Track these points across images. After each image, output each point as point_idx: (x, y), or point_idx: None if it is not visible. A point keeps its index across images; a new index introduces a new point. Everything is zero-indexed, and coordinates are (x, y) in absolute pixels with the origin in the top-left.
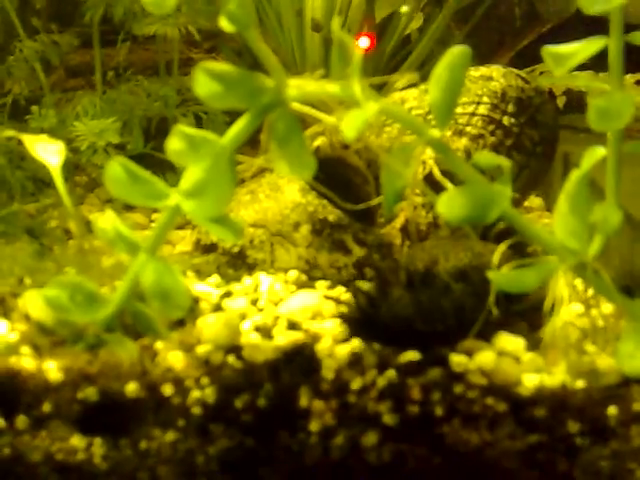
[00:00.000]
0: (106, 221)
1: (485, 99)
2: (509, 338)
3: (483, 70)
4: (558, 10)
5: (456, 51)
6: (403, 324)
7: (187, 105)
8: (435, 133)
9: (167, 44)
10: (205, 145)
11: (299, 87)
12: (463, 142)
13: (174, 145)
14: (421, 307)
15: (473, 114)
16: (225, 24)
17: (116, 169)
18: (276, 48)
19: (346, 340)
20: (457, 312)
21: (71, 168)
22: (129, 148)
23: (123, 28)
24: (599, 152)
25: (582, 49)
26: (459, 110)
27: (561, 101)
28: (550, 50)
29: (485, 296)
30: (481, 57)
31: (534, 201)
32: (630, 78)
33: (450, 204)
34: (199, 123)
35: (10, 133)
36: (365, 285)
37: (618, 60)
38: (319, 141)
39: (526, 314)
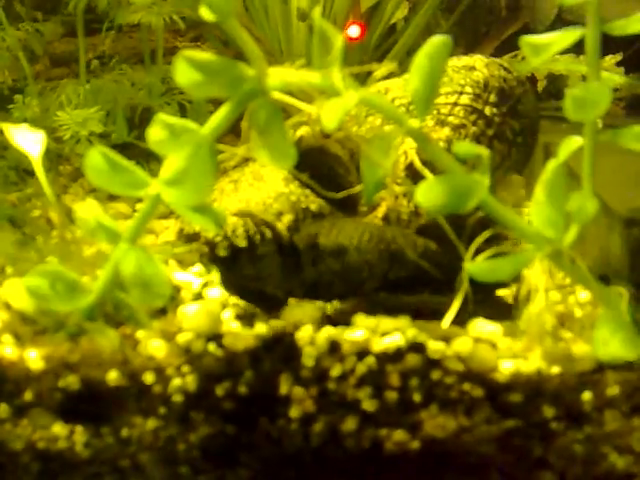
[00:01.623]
0: (87, 210)
1: (468, 89)
2: (485, 324)
3: (466, 60)
4: (543, 18)
5: (437, 40)
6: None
7: (171, 94)
8: (415, 123)
9: (152, 33)
10: (186, 134)
11: (280, 76)
12: (445, 132)
13: (155, 134)
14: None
15: (455, 104)
16: (205, 13)
17: (96, 158)
18: (262, 37)
19: None
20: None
21: (54, 158)
22: (113, 137)
23: (107, 17)
24: (576, 142)
25: (560, 39)
26: (441, 100)
27: (541, 85)
28: (528, 40)
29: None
30: (467, 46)
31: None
32: (610, 59)
33: (428, 193)
34: (183, 112)
35: None
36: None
37: (595, 50)
38: (302, 131)
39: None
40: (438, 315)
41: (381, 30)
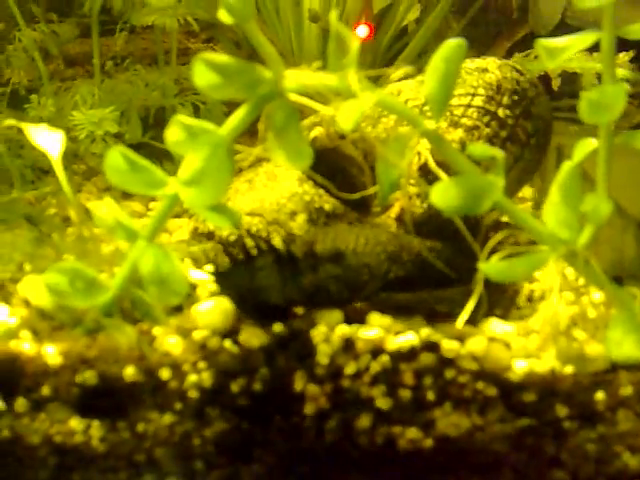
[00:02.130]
0: (105, 209)
1: (481, 91)
2: (499, 324)
3: (479, 62)
4: (546, 24)
5: (452, 43)
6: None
7: (185, 95)
8: (430, 124)
9: (165, 34)
10: (204, 135)
11: (296, 78)
12: (458, 133)
13: (173, 135)
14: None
15: (469, 106)
16: (224, 16)
17: (116, 157)
18: (274, 38)
19: None
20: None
21: (70, 157)
22: (127, 137)
23: (122, 18)
24: (590, 144)
25: (575, 42)
26: (455, 102)
27: (556, 83)
28: (543, 43)
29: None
30: (478, 48)
31: (526, 191)
32: (624, 56)
33: (444, 194)
34: (197, 113)
35: (11, 122)
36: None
37: (610, 54)
38: (316, 131)
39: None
40: (438, 312)
41: (393, 32)
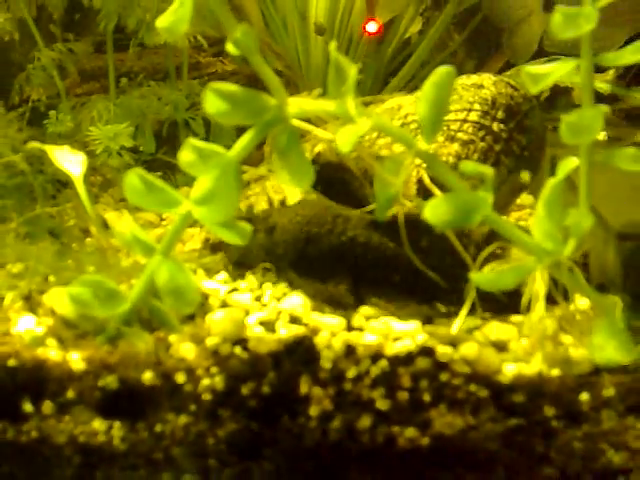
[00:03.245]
0: (124, 225)
1: (476, 106)
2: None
3: (475, 78)
4: (523, 54)
5: (442, 71)
6: None
7: (196, 109)
8: (423, 145)
9: (176, 49)
10: (214, 157)
11: (299, 105)
12: (454, 147)
13: (186, 157)
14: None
15: (465, 120)
16: (232, 49)
17: (134, 179)
18: (281, 52)
19: None
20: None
21: (87, 169)
22: (141, 150)
23: (135, 35)
24: (572, 162)
25: (556, 69)
26: (451, 117)
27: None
28: (528, 69)
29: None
30: (479, 59)
31: (525, 199)
32: (612, 72)
33: (436, 210)
34: (207, 126)
35: (35, 145)
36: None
37: (589, 80)
38: (319, 147)
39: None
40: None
41: (396, 44)
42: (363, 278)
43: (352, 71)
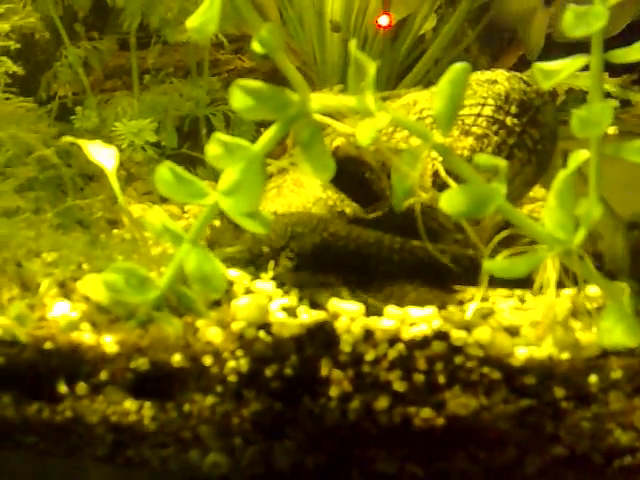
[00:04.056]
0: (154, 216)
1: (490, 101)
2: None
3: (488, 74)
4: (535, 47)
5: (458, 67)
6: None
7: (217, 104)
8: (439, 139)
9: (197, 47)
10: (240, 151)
11: (321, 100)
12: (469, 141)
13: (212, 150)
14: None
15: (479, 115)
16: (257, 47)
17: (164, 172)
18: (298, 49)
19: None
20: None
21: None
22: (163, 145)
23: (157, 34)
24: (583, 154)
25: (567, 66)
26: (466, 111)
27: (560, 99)
28: (539, 66)
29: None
30: (492, 55)
31: (539, 192)
32: (627, 77)
33: (451, 201)
34: (227, 121)
35: (68, 139)
36: None
37: (598, 75)
38: (338, 141)
39: None
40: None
41: (411, 40)
42: (348, 268)
43: (371, 68)
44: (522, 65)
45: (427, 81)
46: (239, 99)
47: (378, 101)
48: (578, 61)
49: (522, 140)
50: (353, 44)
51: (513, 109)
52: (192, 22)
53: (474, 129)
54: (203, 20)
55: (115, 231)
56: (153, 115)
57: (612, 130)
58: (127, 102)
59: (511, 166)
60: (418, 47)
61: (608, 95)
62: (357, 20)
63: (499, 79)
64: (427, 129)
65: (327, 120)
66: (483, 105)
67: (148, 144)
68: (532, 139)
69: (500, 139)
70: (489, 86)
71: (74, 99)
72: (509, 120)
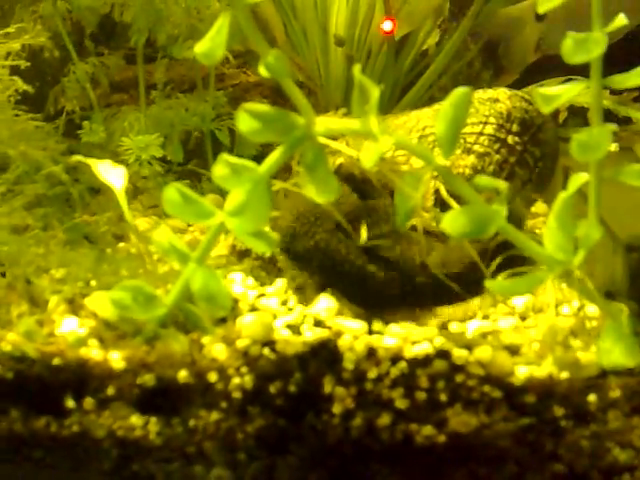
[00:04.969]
0: (161, 234)
1: (492, 119)
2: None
3: (490, 92)
4: (518, 62)
5: (459, 92)
6: None
7: (222, 119)
8: (441, 161)
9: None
10: (246, 172)
11: (325, 124)
12: (471, 159)
13: (219, 171)
14: None
15: (480, 133)
16: (264, 72)
17: (172, 193)
18: (302, 64)
19: None
20: None
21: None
22: (169, 159)
23: (164, 49)
24: (582, 177)
25: (567, 91)
26: (468, 129)
27: (562, 116)
28: (539, 91)
29: None
30: (495, 70)
31: (540, 207)
32: (627, 95)
33: (454, 222)
34: (232, 136)
35: (78, 158)
36: None
37: (598, 100)
38: (341, 159)
39: None
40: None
41: (414, 55)
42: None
43: (374, 92)
44: (525, 80)
45: (430, 94)
46: (246, 122)
47: (381, 124)
48: (577, 86)
49: (523, 158)
50: (357, 68)
51: (515, 127)
52: (201, 47)
53: (476, 147)
54: (211, 45)
55: (122, 244)
56: (159, 129)
57: (613, 147)
58: (134, 117)
59: (512, 184)
60: (421, 61)
61: (609, 112)
62: (361, 34)
63: (501, 98)
64: (429, 152)
65: (331, 143)
66: (485, 124)
67: (154, 159)
68: (533, 157)
69: (502, 157)
70: (491, 104)
71: (81, 114)
72: (510, 138)
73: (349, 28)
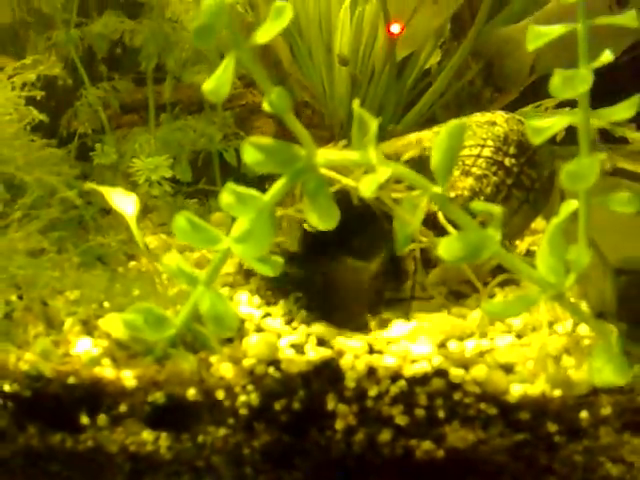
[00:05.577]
0: (170, 259)
1: (489, 142)
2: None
3: (488, 116)
4: (513, 83)
5: (455, 123)
6: None
7: (229, 140)
8: (437, 189)
9: None
10: (251, 200)
11: (326, 155)
12: (469, 181)
13: (226, 199)
14: None
15: (478, 156)
16: (267, 107)
17: (181, 221)
18: (308, 84)
19: None
20: None
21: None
22: (178, 178)
23: (173, 72)
24: (572, 204)
25: (556, 122)
26: (466, 152)
27: (560, 135)
28: (529, 123)
29: None
30: (495, 88)
31: (540, 223)
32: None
33: (449, 247)
34: (239, 156)
35: (91, 186)
36: None
37: (586, 132)
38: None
39: None
40: None
41: (416, 74)
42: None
43: (373, 124)
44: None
45: (433, 111)
46: (250, 154)
47: (380, 155)
48: (565, 119)
49: (520, 180)
50: (356, 102)
51: (511, 150)
52: (208, 85)
53: (474, 170)
54: (218, 83)
55: (133, 263)
56: (168, 150)
57: (607, 166)
58: (144, 138)
59: (509, 205)
60: (424, 80)
61: (604, 132)
62: (364, 55)
63: (498, 121)
64: (426, 181)
65: (332, 174)
66: (483, 146)
67: (164, 179)
68: (530, 178)
69: (499, 179)
70: (489, 127)
71: (94, 137)
72: (507, 161)
73: (353, 48)
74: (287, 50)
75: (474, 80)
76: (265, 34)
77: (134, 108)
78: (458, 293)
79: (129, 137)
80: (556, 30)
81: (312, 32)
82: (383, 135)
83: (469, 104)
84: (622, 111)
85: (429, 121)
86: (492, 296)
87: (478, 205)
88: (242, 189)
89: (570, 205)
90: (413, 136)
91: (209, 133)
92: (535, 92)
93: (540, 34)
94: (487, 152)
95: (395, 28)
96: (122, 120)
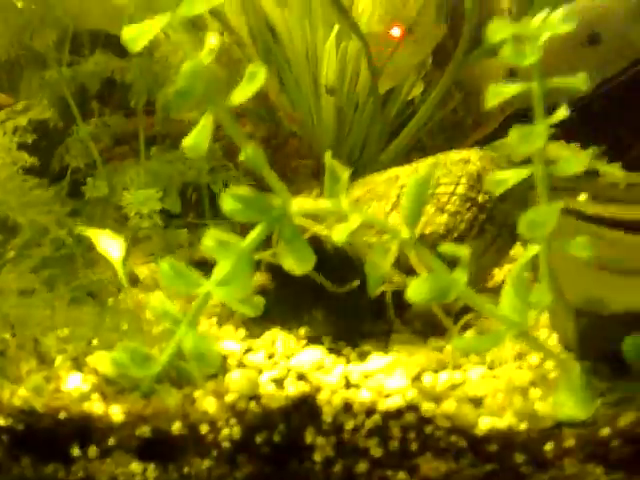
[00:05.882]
0: (156, 300)
1: (463, 180)
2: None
3: (463, 154)
4: (489, 116)
5: (422, 174)
6: None
7: (217, 172)
8: (405, 234)
9: None
10: (230, 246)
11: (300, 204)
12: (444, 218)
13: (208, 242)
14: None
15: (453, 193)
16: (244, 160)
17: (166, 268)
18: (295, 114)
19: None
20: None
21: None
22: (166, 208)
23: (163, 110)
24: (533, 250)
25: (514, 175)
26: (441, 189)
27: None
28: (488, 177)
29: None
30: (473, 120)
31: (519, 249)
32: (595, 149)
33: (417, 289)
34: (226, 187)
35: (81, 228)
36: None
37: (543, 184)
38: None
39: None
40: None
41: (400, 104)
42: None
43: (344, 174)
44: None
45: (417, 139)
46: (229, 204)
47: (351, 204)
48: (523, 172)
49: (493, 215)
50: (328, 155)
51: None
52: (187, 141)
53: (448, 207)
54: (196, 141)
55: (122, 296)
56: (158, 183)
57: (582, 197)
58: (134, 171)
59: (483, 240)
60: (407, 110)
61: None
62: (350, 86)
63: (472, 159)
64: (395, 227)
65: (305, 222)
66: (457, 184)
67: (154, 212)
68: (502, 213)
69: (472, 215)
70: (463, 165)
71: (86, 173)
72: (481, 197)
73: (339, 79)
74: (275, 80)
75: (457, 109)
76: (240, 95)
77: (126, 139)
78: (437, 325)
79: (120, 170)
80: (514, 89)
81: (300, 64)
82: (370, 164)
83: (452, 131)
84: (574, 165)
85: (414, 149)
86: (467, 328)
87: (447, 248)
88: (222, 235)
89: (531, 250)
90: (392, 171)
91: (197, 166)
92: (519, 120)
93: (498, 92)
94: (461, 189)
95: (396, 32)
96: (113, 152)
